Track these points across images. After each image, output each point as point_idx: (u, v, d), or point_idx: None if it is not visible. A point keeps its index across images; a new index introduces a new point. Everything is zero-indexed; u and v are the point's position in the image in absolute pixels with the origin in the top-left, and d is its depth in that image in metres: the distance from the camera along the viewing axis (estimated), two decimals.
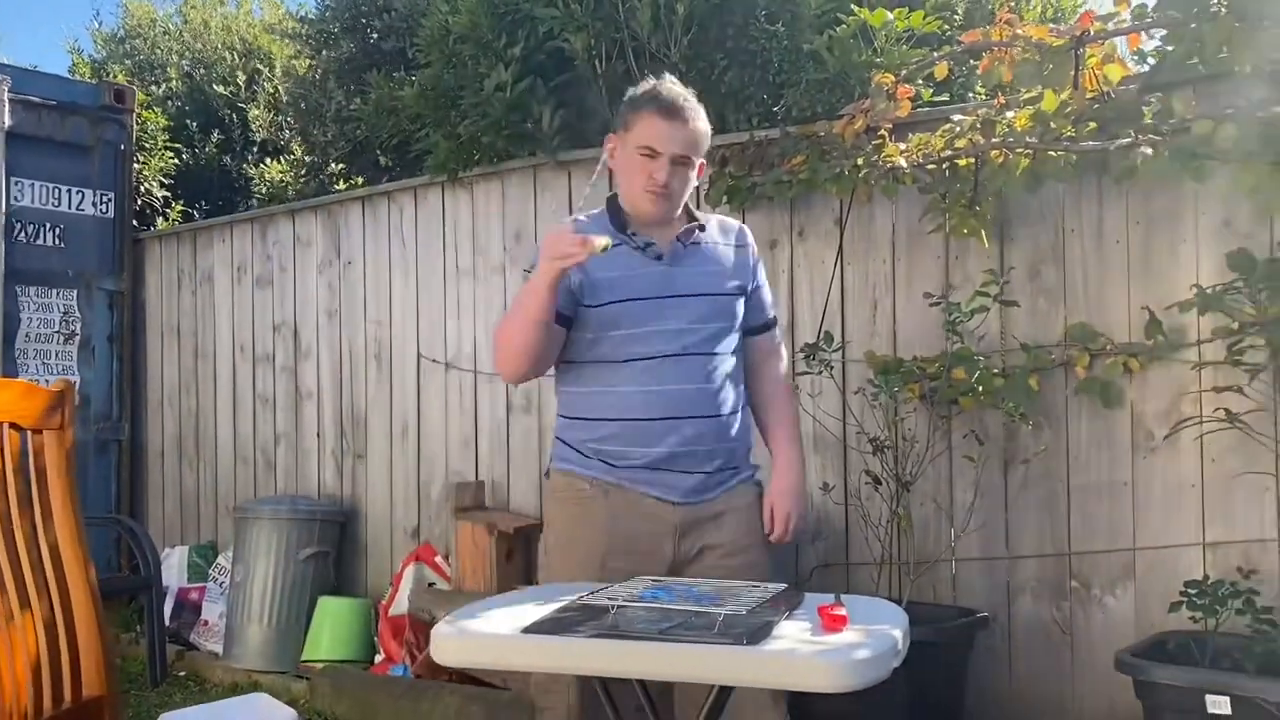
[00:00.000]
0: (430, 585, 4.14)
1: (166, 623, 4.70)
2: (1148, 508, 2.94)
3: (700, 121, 2.25)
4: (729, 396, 2.26)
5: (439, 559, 4.20)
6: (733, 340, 2.31)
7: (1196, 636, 2.60)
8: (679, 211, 2.31)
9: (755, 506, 2.33)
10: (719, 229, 2.37)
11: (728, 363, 2.28)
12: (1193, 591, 2.60)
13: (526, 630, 1.56)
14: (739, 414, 2.31)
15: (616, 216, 2.29)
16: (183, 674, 4.55)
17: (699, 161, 2.28)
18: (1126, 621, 2.96)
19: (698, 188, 2.67)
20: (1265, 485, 2.72)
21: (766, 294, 2.43)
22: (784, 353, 2.50)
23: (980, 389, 3.04)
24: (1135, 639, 2.83)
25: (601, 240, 1.96)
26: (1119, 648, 2.68)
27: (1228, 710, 2.35)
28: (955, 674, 3.00)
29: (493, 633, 1.59)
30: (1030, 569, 3.11)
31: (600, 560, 2.17)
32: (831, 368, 3.23)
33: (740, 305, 2.32)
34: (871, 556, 3.20)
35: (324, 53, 5.77)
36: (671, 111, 2.19)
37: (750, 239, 2.41)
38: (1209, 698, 2.37)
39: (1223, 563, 2.80)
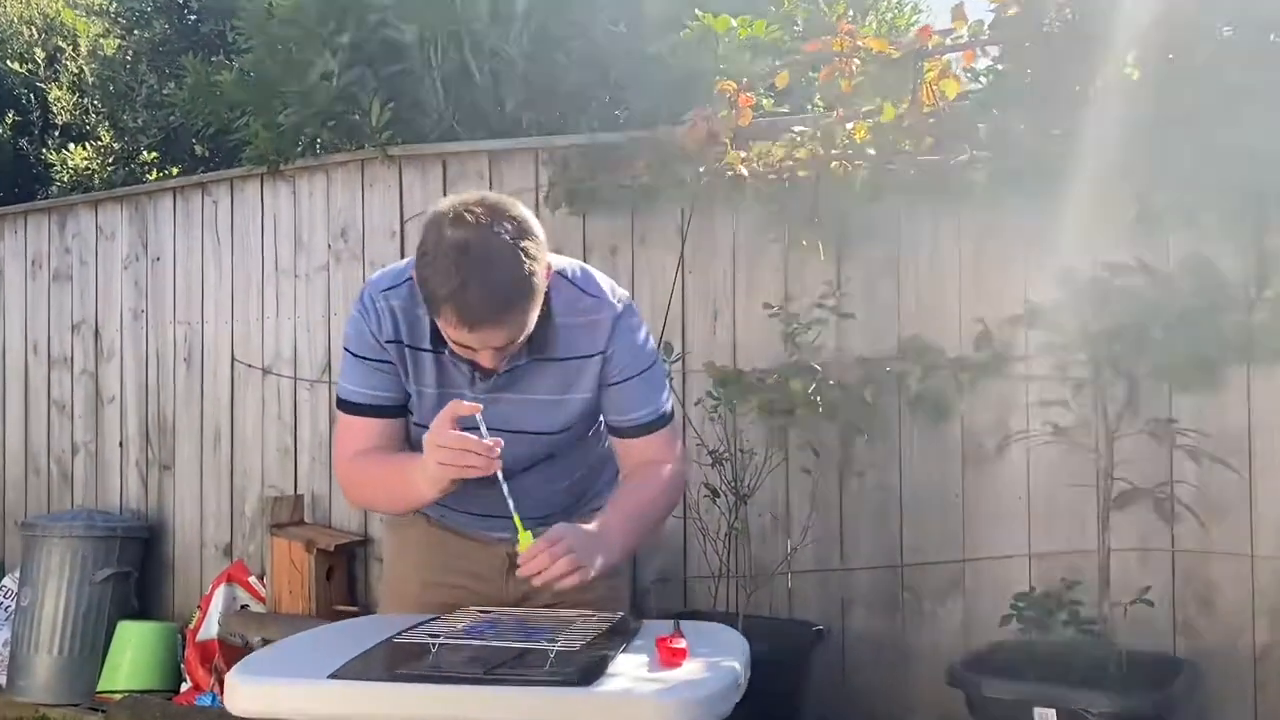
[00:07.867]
0: (243, 607, 3.87)
1: None
2: (977, 519, 2.98)
3: (512, 312, 1.64)
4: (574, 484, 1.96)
5: (253, 579, 3.92)
6: (573, 446, 1.92)
7: (1025, 647, 2.63)
8: None
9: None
10: (584, 329, 1.80)
11: (572, 465, 1.94)
12: (1022, 605, 2.63)
13: (333, 675, 1.39)
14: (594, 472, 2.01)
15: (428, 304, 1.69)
16: None
17: (528, 323, 1.69)
18: (956, 632, 2.99)
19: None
20: (1087, 497, 2.79)
21: (634, 390, 1.84)
22: (672, 450, 1.91)
23: (817, 400, 3.02)
24: (965, 649, 2.85)
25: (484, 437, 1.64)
26: (949, 658, 2.69)
27: None
28: (791, 688, 2.97)
29: (293, 679, 1.42)
30: (864, 581, 3.11)
31: (421, 581, 1.95)
32: (671, 378, 3.15)
33: (580, 424, 1.89)
34: (709, 570, 3.14)
35: (135, 33, 5.39)
36: (472, 325, 1.64)
37: (610, 328, 1.80)
38: (1037, 710, 2.40)
39: (1047, 573, 2.85)
